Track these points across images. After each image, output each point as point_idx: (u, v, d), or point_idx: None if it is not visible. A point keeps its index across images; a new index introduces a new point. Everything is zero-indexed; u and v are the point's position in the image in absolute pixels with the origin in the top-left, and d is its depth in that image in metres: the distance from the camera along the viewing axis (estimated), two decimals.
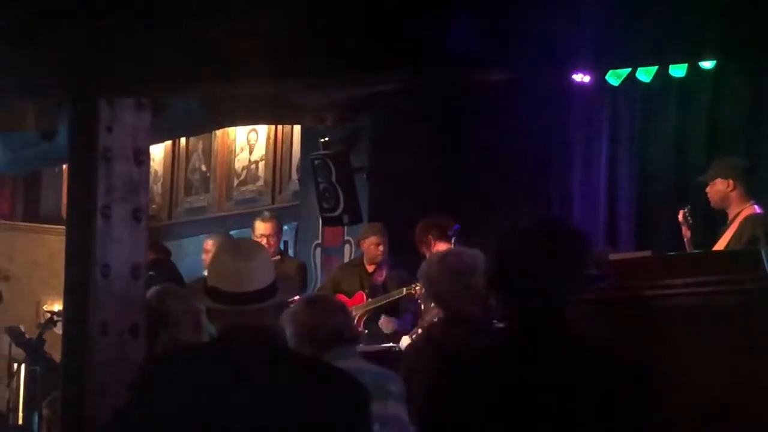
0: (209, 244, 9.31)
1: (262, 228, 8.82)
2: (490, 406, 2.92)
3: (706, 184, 6.86)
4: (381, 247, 8.26)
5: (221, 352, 3.16)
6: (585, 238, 3.11)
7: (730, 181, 6.74)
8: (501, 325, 3.11)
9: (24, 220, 12.90)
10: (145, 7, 3.80)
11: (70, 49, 3.92)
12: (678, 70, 7.96)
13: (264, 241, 8.63)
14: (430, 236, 7.80)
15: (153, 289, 4.25)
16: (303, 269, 8.76)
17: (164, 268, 9.29)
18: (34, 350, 9.24)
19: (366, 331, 8.07)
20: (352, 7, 3.72)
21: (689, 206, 6.94)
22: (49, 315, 9.45)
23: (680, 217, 6.93)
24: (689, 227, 6.87)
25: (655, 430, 2.93)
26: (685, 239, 6.87)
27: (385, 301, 8.10)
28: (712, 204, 6.87)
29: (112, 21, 3.84)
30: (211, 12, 3.79)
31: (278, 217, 8.97)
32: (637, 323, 4.66)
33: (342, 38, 3.79)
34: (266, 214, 9.06)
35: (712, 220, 7.13)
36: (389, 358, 7.59)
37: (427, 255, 7.55)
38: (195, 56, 3.90)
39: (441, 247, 7.59)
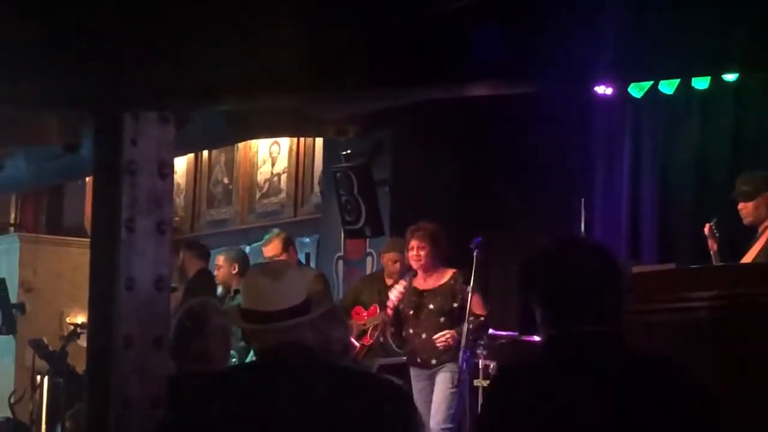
0: (220, 259, 9.35)
1: (268, 251, 8.84)
2: (544, 427, 2.89)
3: (736, 202, 6.83)
4: (398, 265, 8.23)
5: (260, 371, 3.19)
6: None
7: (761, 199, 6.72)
8: (545, 342, 3.07)
9: (47, 233, 12.96)
10: (169, 22, 3.81)
11: (96, 62, 3.94)
12: (701, 83, 7.94)
13: None
14: None
15: (196, 299, 4.31)
16: (320, 279, 8.70)
17: (208, 280, 9.45)
18: (57, 362, 9.28)
19: (381, 340, 8.07)
20: (377, 22, 3.73)
21: (716, 219, 6.90)
22: (72, 327, 9.49)
23: (706, 230, 6.89)
24: (716, 240, 6.83)
25: None
26: (712, 252, 6.82)
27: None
28: (744, 221, 6.83)
29: (137, 36, 3.86)
30: (235, 27, 3.80)
31: (285, 234, 8.90)
32: (662, 336, 4.63)
33: (366, 53, 3.80)
34: (271, 233, 9.04)
35: (739, 233, 7.08)
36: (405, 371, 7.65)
37: None
38: (219, 70, 3.91)
39: None
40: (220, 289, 9.40)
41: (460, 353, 7.50)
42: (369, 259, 9.71)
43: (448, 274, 7.65)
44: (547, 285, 3.00)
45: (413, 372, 7.64)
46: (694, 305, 4.81)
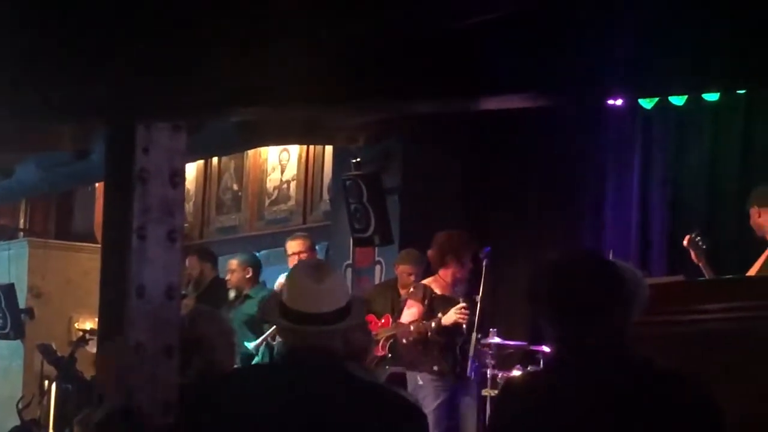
0: (234, 264, 9.38)
1: (293, 246, 8.90)
2: None
3: (748, 214, 6.84)
4: (413, 277, 8.22)
5: (281, 372, 3.20)
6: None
7: (757, 208, 6.72)
8: (553, 355, 3.08)
9: (57, 238, 12.96)
10: (181, 33, 3.82)
11: (109, 73, 3.95)
12: (711, 94, 7.93)
13: (296, 259, 8.69)
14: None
15: (184, 313, 4.28)
16: None
17: (222, 288, 9.48)
18: (65, 368, 9.28)
19: (390, 354, 8.04)
20: (387, 34, 3.74)
21: (698, 230, 6.88)
22: (81, 333, 9.51)
23: (685, 242, 6.86)
24: (700, 252, 6.79)
25: None
26: (700, 264, 6.80)
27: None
28: (757, 234, 6.83)
29: (150, 47, 3.87)
30: (246, 38, 3.81)
31: (310, 237, 9.05)
32: (672, 349, 4.62)
33: (377, 65, 3.81)
34: (297, 234, 9.17)
35: (746, 245, 7.07)
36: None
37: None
38: (231, 81, 3.92)
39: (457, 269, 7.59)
40: (232, 293, 9.42)
41: (469, 362, 7.50)
42: (378, 268, 9.70)
43: None
44: (553, 299, 3.01)
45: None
46: (703, 317, 4.82)
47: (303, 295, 3.26)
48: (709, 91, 7.10)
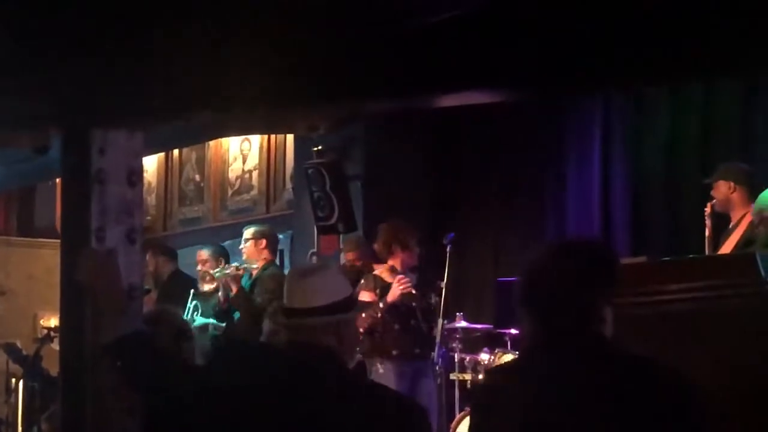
0: (205, 254, 9.30)
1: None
2: (523, 424, 2.90)
3: (710, 187, 6.86)
4: (359, 263, 8.25)
5: (267, 367, 3.19)
6: (608, 252, 3.12)
7: (731, 184, 6.75)
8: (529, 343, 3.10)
9: (19, 235, 12.86)
10: (136, 38, 3.79)
11: (63, 82, 3.92)
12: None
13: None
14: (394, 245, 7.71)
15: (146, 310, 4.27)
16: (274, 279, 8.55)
17: (183, 282, 9.36)
18: (31, 366, 9.23)
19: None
20: (345, 33, 3.73)
21: (715, 201, 6.89)
22: (45, 331, 9.43)
23: (707, 209, 6.87)
24: (712, 222, 6.84)
25: None
26: (707, 233, 6.82)
27: None
28: (716, 207, 6.86)
29: (105, 53, 3.84)
30: (204, 43, 3.78)
31: (263, 229, 8.87)
32: (633, 330, 4.64)
33: (335, 65, 3.80)
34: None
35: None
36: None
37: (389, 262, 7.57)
38: (188, 87, 3.90)
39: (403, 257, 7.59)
40: (208, 286, 9.31)
41: (436, 348, 7.52)
42: (342, 255, 9.70)
43: None
44: (530, 287, 3.03)
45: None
46: (666, 298, 4.84)
47: (291, 290, 3.30)
48: (671, 84, 7.14)
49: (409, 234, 7.63)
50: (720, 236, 6.79)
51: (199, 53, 3.78)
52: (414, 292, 7.44)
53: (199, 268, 9.33)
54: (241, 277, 8.40)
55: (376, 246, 7.81)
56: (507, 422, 2.94)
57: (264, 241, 8.65)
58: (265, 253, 8.62)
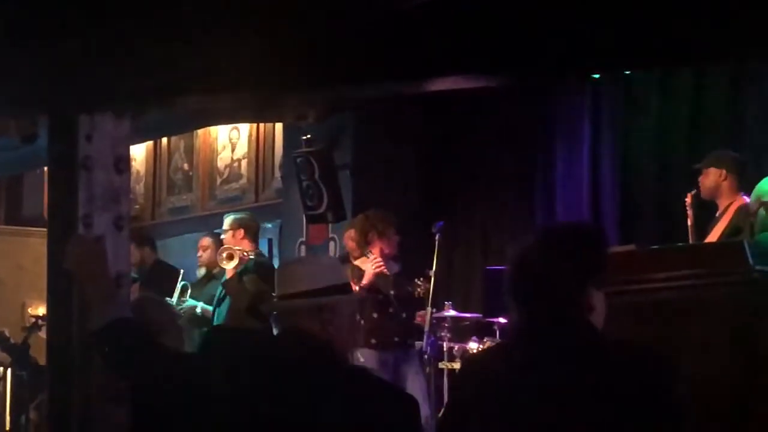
0: (206, 241, 9.26)
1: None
2: (509, 412, 2.90)
3: (699, 173, 6.85)
4: (351, 242, 8.26)
5: (254, 355, 3.19)
6: (596, 237, 3.09)
7: (723, 171, 6.73)
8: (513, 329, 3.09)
9: (6, 224, 12.83)
10: (123, 21, 3.77)
11: (49, 66, 3.90)
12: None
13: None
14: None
15: (132, 300, 4.24)
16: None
17: (165, 270, 9.31)
18: (19, 355, 9.21)
19: None
20: (332, 17, 3.71)
21: (696, 190, 6.91)
22: (34, 319, 9.40)
23: (688, 200, 6.88)
24: (694, 211, 6.83)
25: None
26: (689, 222, 6.82)
27: None
28: (702, 194, 6.85)
29: (91, 36, 3.82)
30: (190, 26, 3.77)
31: (244, 218, 8.76)
32: (621, 318, 4.64)
33: (323, 49, 3.78)
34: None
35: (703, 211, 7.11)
36: None
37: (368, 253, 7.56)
38: (175, 70, 3.88)
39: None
40: (202, 272, 9.24)
41: (424, 337, 7.53)
42: (332, 244, 9.70)
43: None
44: (516, 273, 3.02)
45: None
46: (655, 286, 4.84)
47: (278, 280, 3.31)
48: (657, 67, 7.14)
49: (385, 222, 7.62)
50: (705, 224, 6.79)
51: (187, 38, 3.76)
52: (387, 273, 7.46)
53: (200, 254, 9.31)
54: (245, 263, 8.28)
55: (352, 237, 7.85)
56: (484, 406, 2.93)
57: (242, 231, 8.51)
58: (245, 243, 8.46)
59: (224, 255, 8.31)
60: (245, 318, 7.89)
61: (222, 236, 8.62)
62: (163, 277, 9.25)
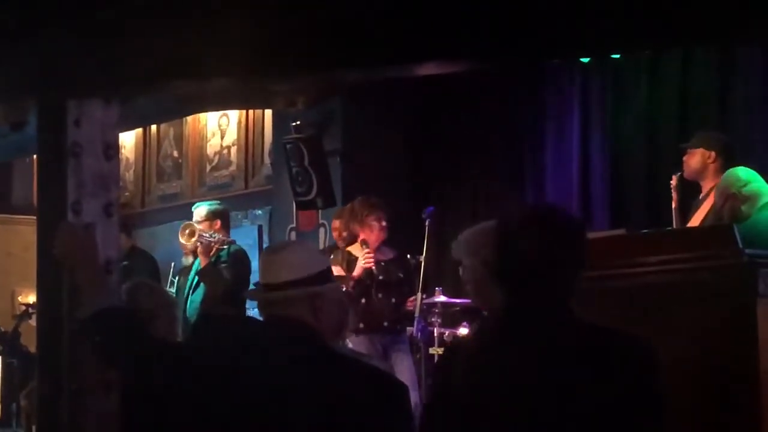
0: (202, 212, 9.19)
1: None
2: (490, 398, 2.90)
3: (686, 152, 6.80)
4: (335, 233, 8.30)
5: (243, 343, 3.19)
6: (579, 224, 3.10)
7: (713, 154, 6.68)
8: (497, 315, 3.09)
9: None
10: (110, 5, 3.76)
11: (37, 51, 3.89)
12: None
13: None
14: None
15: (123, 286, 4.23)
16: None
17: (141, 257, 9.26)
18: (9, 343, 9.22)
19: None
20: (321, 3, 3.70)
21: (681, 173, 6.86)
22: (24, 307, 9.41)
23: (673, 182, 6.85)
24: (678, 195, 6.81)
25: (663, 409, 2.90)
26: (674, 204, 6.80)
27: None
28: (686, 174, 6.80)
29: (79, 22, 3.80)
30: (179, 11, 3.75)
31: (217, 207, 8.66)
32: (612, 302, 4.66)
33: (310, 33, 3.77)
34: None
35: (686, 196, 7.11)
36: None
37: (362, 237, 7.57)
38: (164, 55, 3.86)
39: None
40: (187, 260, 9.18)
41: (415, 322, 7.53)
42: (322, 231, 9.70)
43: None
44: (499, 258, 3.01)
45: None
46: (645, 270, 4.85)
47: (264, 266, 3.30)
48: (645, 49, 7.13)
49: (365, 211, 7.61)
50: (690, 206, 6.78)
51: (176, 22, 3.75)
52: (374, 269, 7.46)
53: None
54: (219, 252, 8.25)
55: (336, 227, 7.89)
56: (470, 392, 2.93)
57: (218, 222, 8.41)
58: (222, 233, 8.35)
59: (187, 232, 8.27)
60: (221, 305, 7.87)
61: (198, 227, 8.50)
62: (141, 263, 9.17)
